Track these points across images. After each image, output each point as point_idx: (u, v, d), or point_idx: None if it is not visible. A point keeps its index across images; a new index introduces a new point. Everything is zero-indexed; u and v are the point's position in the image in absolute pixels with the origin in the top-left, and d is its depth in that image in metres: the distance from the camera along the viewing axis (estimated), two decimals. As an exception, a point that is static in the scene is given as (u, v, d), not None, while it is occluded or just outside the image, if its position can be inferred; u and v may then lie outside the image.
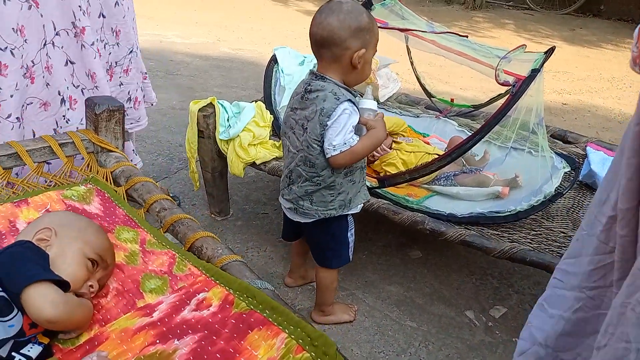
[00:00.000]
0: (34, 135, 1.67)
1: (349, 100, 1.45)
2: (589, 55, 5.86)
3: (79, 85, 1.76)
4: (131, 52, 1.94)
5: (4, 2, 1.47)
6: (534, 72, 1.70)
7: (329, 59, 1.47)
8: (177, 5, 6.91)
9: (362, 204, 1.67)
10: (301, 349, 0.93)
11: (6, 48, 1.50)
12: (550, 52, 1.83)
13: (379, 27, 1.93)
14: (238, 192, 2.59)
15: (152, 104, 2.22)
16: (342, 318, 1.83)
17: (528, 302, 1.99)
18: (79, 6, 1.67)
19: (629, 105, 4.41)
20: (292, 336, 0.96)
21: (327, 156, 1.46)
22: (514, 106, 1.76)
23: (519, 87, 1.70)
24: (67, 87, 1.71)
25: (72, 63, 1.72)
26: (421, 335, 1.80)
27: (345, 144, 1.44)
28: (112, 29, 1.83)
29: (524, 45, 1.96)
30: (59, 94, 1.68)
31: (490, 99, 2.49)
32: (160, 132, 3.28)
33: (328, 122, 1.44)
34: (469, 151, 2.01)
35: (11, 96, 1.54)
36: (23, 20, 1.52)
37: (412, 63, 2.56)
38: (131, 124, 2.02)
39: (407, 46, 2.48)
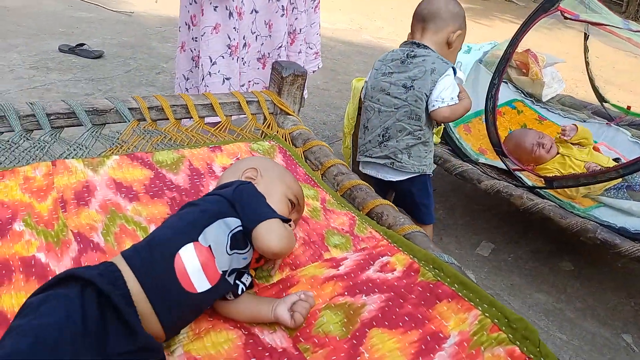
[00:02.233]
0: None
1: (453, 67, 1.64)
2: None
3: (255, 32, 1.89)
4: (313, 24, 2.02)
5: None
6: None
7: (431, 31, 1.69)
8: (322, -9, 7.07)
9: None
10: (497, 329, 0.90)
11: None
12: None
13: (568, 18, 1.82)
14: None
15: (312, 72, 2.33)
16: None
17: (699, 339, 1.78)
18: None
19: None
20: (486, 314, 0.93)
21: (433, 108, 1.60)
22: None
23: None
24: (249, 33, 1.89)
25: (256, 12, 1.85)
26: (572, 349, 1.69)
27: (453, 99, 1.61)
28: None
29: None
30: (243, 39, 1.82)
31: (675, 112, 2.25)
32: (305, 109, 3.38)
33: (440, 80, 1.60)
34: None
35: (243, 38, 1.79)
36: None
37: (587, 63, 2.39)
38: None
39: (585, 44, 2.31)
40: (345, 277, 1.06)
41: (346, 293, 1.02)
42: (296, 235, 1.18)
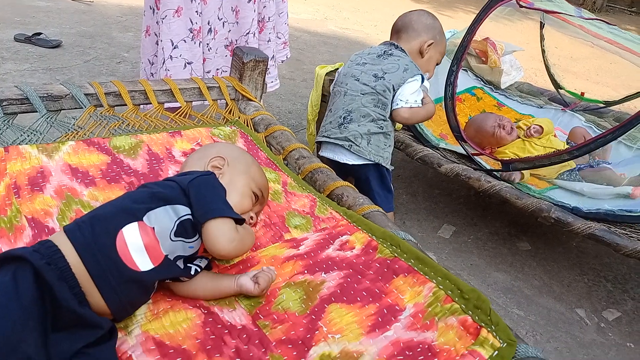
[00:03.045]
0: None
1: (422, 75, 1.72)
2: None
3: (222, 18, 1.89)
4: (282, 13, 2.03)
5: None
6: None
7: (403, 41, 1.78)
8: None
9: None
10: (450, 300, 0.93)
11: None
12: None
13: (524, 6, 1.88)
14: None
15: (281, 61, 2.33)
16: None
17: (646, 311, 1.88)
18: None
19: None
20: (441, 287, 0.96)
21: (396, 107, 1.67)
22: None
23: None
24: (216, 19, 1.88)
25: None
26: (528, 324, 1.75)
27: (416, 102, 1.68)
28: None
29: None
30: (208, 24, 1.81)
31: (625, 97, 2.35)
32: (270, 97, 3.38)
33: (408, 80, 1.67)
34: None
35: (208, 23, 1.80)
36: None
37: (543, 51, 2.46)
38: (271, 82, 2.12)
39: (540, 33, 2.38)
40: (305, 256, 1.08)
41: (306, 271, 1.04)
42: (257, 218, 1.19)
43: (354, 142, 1.68)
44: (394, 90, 1.68)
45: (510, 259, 2.07)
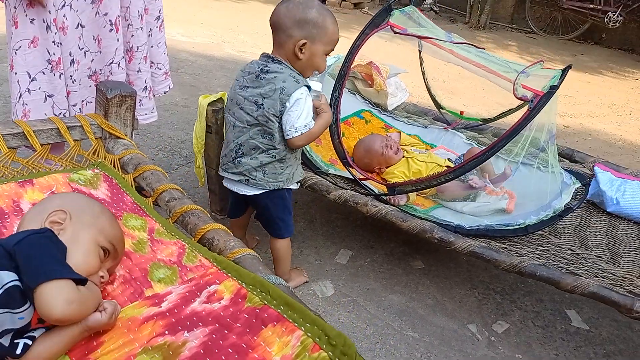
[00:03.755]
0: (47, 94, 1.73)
1: (306, 85, 1.60)
2: (590, 81, 5.91)
3: (82, 48, 1.79)
4: (159, 43, 1.94)
5: None
6: (553, 89, 1.69)
7: (277, 44, 1.62)
8: (183, 3, 6.89)
9: (299, 182, 1.83)
10: (318, 348, 0.89)
11: (63, 6, 1.62)
12: (567, 69, 1.82)
13: (397, 32, 1.92)
14: (240, 192, 2.55)
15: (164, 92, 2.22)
16: (300, 281, 1.97)
17: (531, 319, 1.96)
18: None
19: (630, 132, 4.44)
20: (309, 334, 0.92)
21: (288, 137, 1.59)
22: (530, 122, 1.74)
23: (536, 103, 1.69)
24: (77, 49, 1.77)
25: (82, 26, 1.75)
26: (423, 346, 1.76)
27: (306, 126, 1.58)
28: (138, 11, 1.82)
29: (542, 61, 1.96)
30: (70, 55, 1.69)
31: (500, 114, 2.49)
32: (162, 127, 3.23)
33: (288, 104, 1.56)
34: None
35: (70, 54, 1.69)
36: None
37: (423, 73, 2.55)
38: (145, 114, 2.01)
39: (420, 56, 2.47)
40: (167, 313, 0.99)
41: (167, 332, 0.95)
42: (115, 274, 1.08)
43: (249, 177, 1.66)
44: (275, 118, 1.59)
45: (405, 279, 2.09)
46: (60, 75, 1.68)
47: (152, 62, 2.09)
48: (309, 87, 1.61)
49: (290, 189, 1.76)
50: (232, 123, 1.67)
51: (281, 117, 1.58)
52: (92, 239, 0.96)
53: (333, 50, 1.67)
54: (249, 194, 1.70)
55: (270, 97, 1.57)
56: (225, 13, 6.87)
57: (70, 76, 1.77)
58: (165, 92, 2.30)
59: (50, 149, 1.48)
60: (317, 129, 1.63)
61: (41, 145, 1.45)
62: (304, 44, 1.56)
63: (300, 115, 1.57)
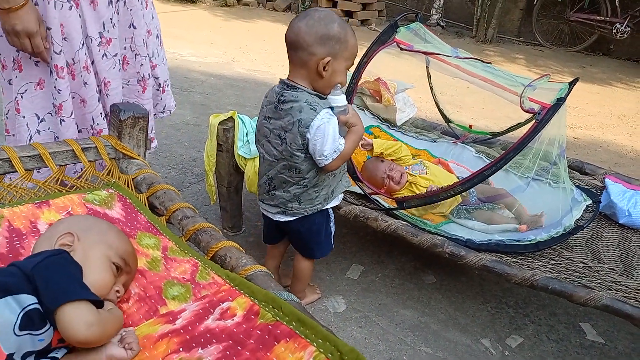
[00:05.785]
0: (78, 128, 1.72)
1: (327, 107, 1.50)
2: (599, 93, 5.89)
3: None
4: (164, 62, 1.96)
5: (48, 2, 1.49)
6: (560, 101, 1.70)
7: (297, 64, 1.52)
8: (193, 24, 7.02)
9: (343, 194, 1.79)
10: (330, 364, 0.90)
11: (60, 51, 1.55)
12: (574, 82, 1.83)
13: (405, 49, 1.95)
14: (251, 209, 2.57)
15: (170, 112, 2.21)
16: (313, 298, 1.98)
17: (545, 332, 1.95)
18: (110, 19, 1.67)
19: (641, 142, 4.42)
20: (321, 350, 0.93)
21: (321, 165, 1.54)
22: (538, 135, 1.74)
23: (544, 115, 1.70)
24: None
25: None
26: (436, 362, 1.76)
27: (336, 151, 1.51)
28: (143, 39, 1.83)
29: (548, 74, 1.97)
30: (97, 92, 1.70)
31: (509, 128, 2.49)
32: (174, 146, 3.28)
33: (308, 135, 1.49)
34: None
35: (73, 98, 1.64)
36: (63, 19, 1.54)
37: (431, 88, 2.57)
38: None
39: (427, 71, 2.49)
40: (181, 330, 1.01)
41: (181, 349, 0.96)
42: (130, 292, 1.10)
43: (286, 208, 1.66)
44: (300, 151, 1.53)
45: (417, 293, 2.09)
46: (61, 122, 1.66)
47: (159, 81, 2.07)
48: (332, 108, 1.51)
49: (327, 208, 1.71)
50: (262, 155, 1.66)
51: (307, 149, 1.52)
52: (103, 256, 0.98)
53: (353, 64, 1.59)
54: (290, 219, 1.69)
55: (290, 130, 1.51)
56: (235, 33, 6.98)
57: (101, 113, 1.74)
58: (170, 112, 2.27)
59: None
60: (349, 147, 1.55)
61: (57, 166, 1.48)
62: (328, 61, 1.46)
63: (325, 142, 1.48)
